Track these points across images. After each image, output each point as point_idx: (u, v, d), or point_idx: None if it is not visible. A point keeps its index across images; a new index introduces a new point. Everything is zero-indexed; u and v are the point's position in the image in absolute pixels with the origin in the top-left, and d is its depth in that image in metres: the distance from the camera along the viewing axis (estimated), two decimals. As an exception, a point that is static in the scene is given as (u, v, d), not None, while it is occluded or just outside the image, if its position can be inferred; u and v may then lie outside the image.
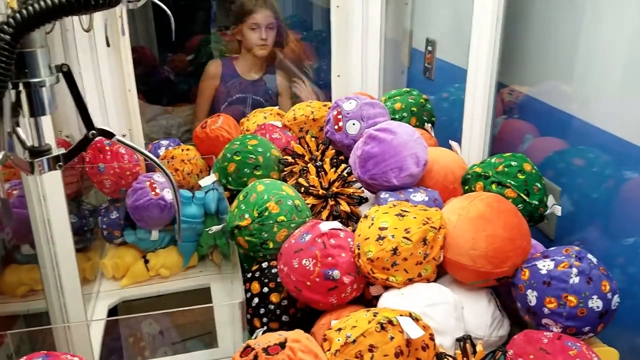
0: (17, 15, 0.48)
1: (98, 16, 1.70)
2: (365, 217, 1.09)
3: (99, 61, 1.81)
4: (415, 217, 1.03)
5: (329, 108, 1.63)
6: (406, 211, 1.05)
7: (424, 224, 1.02)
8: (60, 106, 0.64)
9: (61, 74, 0.63)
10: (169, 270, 1.65)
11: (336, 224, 1.11)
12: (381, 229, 1.03)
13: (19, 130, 0.60)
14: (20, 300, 1.49)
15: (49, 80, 0.61)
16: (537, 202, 1.16)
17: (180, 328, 1.54)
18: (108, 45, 1.77)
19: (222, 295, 1.61)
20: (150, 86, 2.56)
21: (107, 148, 1.67)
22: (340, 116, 1.46)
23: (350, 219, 1.29)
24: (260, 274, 1.15)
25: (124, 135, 1.98)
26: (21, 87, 0.59)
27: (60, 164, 0.64)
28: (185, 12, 2.85)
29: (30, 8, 0.48)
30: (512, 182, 1.16)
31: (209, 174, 1.67)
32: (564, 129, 1.35)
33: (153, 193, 1.55)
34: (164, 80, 2.66)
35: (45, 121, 0.63)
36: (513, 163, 1.18)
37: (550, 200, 1.19)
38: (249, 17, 2.25)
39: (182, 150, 1.75)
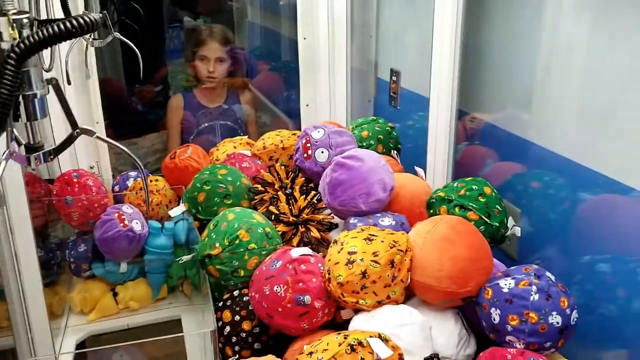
0: (21, 44, 0.60)
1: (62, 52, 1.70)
2: (335, 242, 1.11)
3: (65, 94, 1.79)
4: (382, 241, 1.07)
5: (298, 137, 1.67)
6: (374, 235, 1.08)
7: (391, 247, 1.06)
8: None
9: (50, 86, 0.79)
10: (139, 302, 1.62)
11: (307, 250, 1.13)
12: (350, 253, 1.05)
13: (15, 131, 0.75)
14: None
15: (40, 93, 0.76)
16: (497, 224, 1.21)
17: (152, 360, 1.51)
18: (69, 83, 1.76)
19: (193, 326, 1.59)
20: (119, 118, 2.56)
21: (75, 180, 1.65)
22: (309, 144, 1.50)
23: (321, 245, 1.31)
24: (232, 302, 1.16)
25: (91, 167, 1.98)
26: (20, 99, 0.74)
27: (52, 157, 0.79)
28: (152, 43, 2.88)
29: (31, 38, 0.60)
30: (474, 205, 1.21)
31: (178, 205, 1.67)
32: (522, 154, 1.42)
33: (121, 224, 1.54)
34: (132, 111, 2.67)
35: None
36: (474, 187, 1.23)
37: (510, 222, 1.25)
38: (199, 48, 2.33)
39: (151, 181, 1.75)
